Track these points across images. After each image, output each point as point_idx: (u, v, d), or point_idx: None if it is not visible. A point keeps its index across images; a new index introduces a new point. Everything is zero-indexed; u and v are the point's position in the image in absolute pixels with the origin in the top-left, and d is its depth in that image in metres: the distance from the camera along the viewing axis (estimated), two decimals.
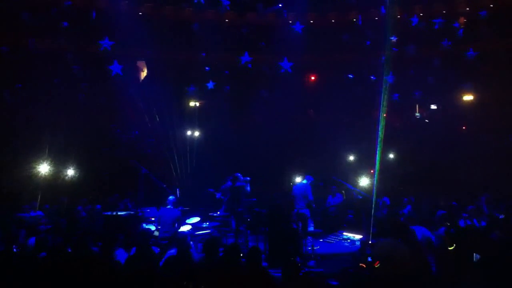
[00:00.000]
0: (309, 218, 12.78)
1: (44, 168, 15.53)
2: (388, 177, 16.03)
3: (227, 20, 18.70)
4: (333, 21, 19.27)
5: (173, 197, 11.68)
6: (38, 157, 15.88)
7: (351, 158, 18.80)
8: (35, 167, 15.53)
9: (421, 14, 18.17)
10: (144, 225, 11.87)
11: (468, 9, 18.14)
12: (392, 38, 16.33)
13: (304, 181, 13.25)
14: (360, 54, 18.80)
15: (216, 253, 6.97)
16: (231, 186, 13.25)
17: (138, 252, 7.50)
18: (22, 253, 8.14)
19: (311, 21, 18.89)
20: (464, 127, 19.36)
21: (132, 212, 12.42)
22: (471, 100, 20.07)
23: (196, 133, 19.72)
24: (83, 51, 17.48)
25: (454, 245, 7.05)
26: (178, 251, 7.51)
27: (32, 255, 7.04)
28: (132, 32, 16.93)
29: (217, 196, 13.94)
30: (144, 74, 20.28)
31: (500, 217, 10.83)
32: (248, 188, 13.61)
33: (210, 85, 18.36)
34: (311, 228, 12.58)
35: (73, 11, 16.38)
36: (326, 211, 14.98)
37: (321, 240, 13.04)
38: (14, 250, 8.43)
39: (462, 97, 20.19)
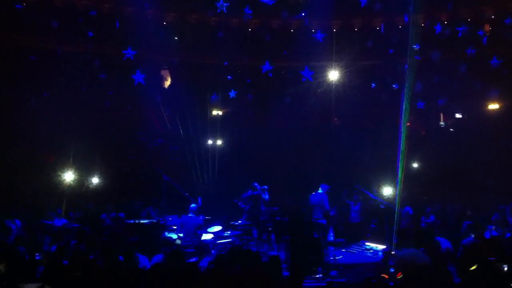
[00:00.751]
0: (330, 227, 12.70)
1: (69, 175, 15.76)
2: (411, 186, 15.88)
3: (250, 29, 18.75)
4: (356, 28, 19.16)
5: (195, 205, 11.74)
6: (63, 164, 16.13)
7: (374, 166, 18.66)
8: (60, 174, 15.78)
9: (445, 22, 17.97)
10: (166, 233, 11.94)
11: (493, 16, 17.89)
12: (415, 46, 16.16)
13: (320, 191, 13.15)
14: (384, 61, 18.66)
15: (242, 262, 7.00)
16: (251, 194, 13.29)
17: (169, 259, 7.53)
18: (44, 260, 8.23)
19: (334, 29, 18.82)
20: (489, 136, 19.03)
21: (154, 220, 12.50)
22: (496, 109, 19.79)
23: (219, 142, 19.81)
24: (109, 58, 17.74)
25: (476, 265, 6.93)
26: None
27: (53, 262, 7.11)
28: (156, 40, 17.11)
29: (240, 205, 13.99)
30: (168, 83, 20.48)
31: None
32: (266, 196, 13.61)
33: (232, 93, 18.41)
34: (331, 238, 12.50)
35: (99, 19, 16.64)
36: (348, 220, 14.87)
37: (344, 250, 12.95)
38: (37, 257, 8.54)
39: (487, 105, 19.91)
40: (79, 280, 6.08)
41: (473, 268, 6.79)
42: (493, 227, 11.07)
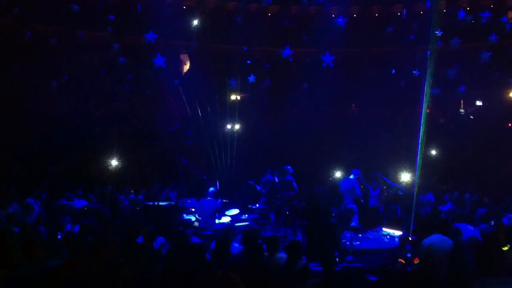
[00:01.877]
0: (356, 214, 12.71)
1: (89, 158, 15.95)
2: (430, 173, 15.79)
3: (269, 14, 18.70)
4: (376, 14, 19.01)
5: (214, 188, 11.81)
6: (83, 146, 16.31)
7: (393, 153, 18.57)
8: (80, 156, 15.97)
9: (468, 8, 17.74)
10: (184, 215, 12.04)
11: None
12: (438, 32, 15.98)
13: (351, 176, 13.16)
14: (404, 48, 18.50)
15: (255, 245, 7.03)
16: (282, 179, 13.33)
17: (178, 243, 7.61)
18: (68, 239, 8.36)
19: (354, 15, 18.69)
20: (509, 124, 18.83)
21: (173, 203, 12.61)
22: None
23: (237, 126, 19.85)
24: (128, 43, 17.82)
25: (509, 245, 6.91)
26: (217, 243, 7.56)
27: (78, 241, 7.23)
28: (176, 25, 17.16)
29: (257, 188, 14.03)
30: (186, 67, 20.53)
31: None
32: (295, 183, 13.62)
33: (252, 78, 18.41)
34: (354, 224, 12.51)
35: (119, 4, 16.71)
36: (366, 206, 14.84)
37: (360, 235, 12.95)
38: (59, 237, 8.67)
39: (508, 93, 19.66)
40: (101, 259, 6.16)
41: (506, 248, 6.79)
42: (511, 215, 10.97)
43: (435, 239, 7.25)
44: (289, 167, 13.68)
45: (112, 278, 5.51)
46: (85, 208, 12.20)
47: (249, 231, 7.99)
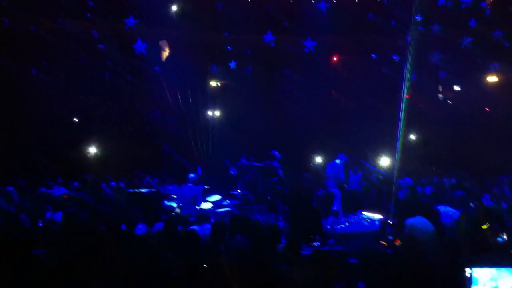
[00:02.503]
0: (338, 198, 12.78)
1: (70, 145, 15.81)
2: (410, 157, 15.95)
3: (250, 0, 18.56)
4: (356, 0, 18.97)
5: (194, 174, 11.81)
6: (63, 134, 16.14)
7: (374, 138, 18.72)
8: (61, 144, 15.81)
9: None
10: (166, 202, 12.04)
11: None
12: (418, 17, 16.05)
13: (337, 161, 13.21)
14: (385, 33, 18.54)
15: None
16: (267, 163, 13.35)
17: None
18: (49, 227, 8.29)
19: (335, 0, 18.63)
20: (488, 109, 19.06)
21: (154, 190, 12.59)
22: (495, 81, 19.74)
23: (218, 113, 19.79)
24: (108, 29, 17.58)
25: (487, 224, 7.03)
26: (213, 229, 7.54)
27: (60, 230, 7.18)
28: (156, 10, 16.94)
29: (232, 172, 14.05)
30: (165, 53, 20.33)
31: None
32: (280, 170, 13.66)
33: (233, 65, 18.33)
34: (335, 208, 12.60)
35: None
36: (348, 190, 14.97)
37: (342, 219, 13.07)
38: (40, 225, 8.61)
39: (486, 78, 19.86)
40: (85, 248, 6.12)
41: (485, 227, 6.90)
42: (488, 196, 11.18)
43: (418, 220, 7.35)
44: (275, 152, 13.70)
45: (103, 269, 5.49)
46: (65, 196, 12.10)
47: (237, 218, 8.03)
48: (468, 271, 4.47)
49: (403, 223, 7.58)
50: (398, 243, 7.40)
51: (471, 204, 9.34)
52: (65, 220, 8.39)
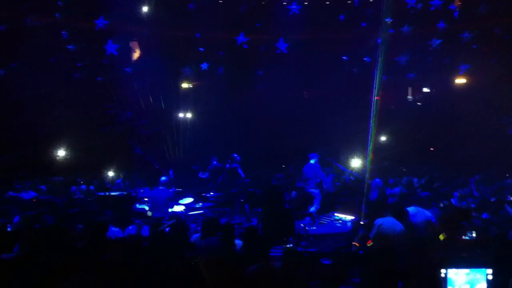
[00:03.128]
0: (318, 198, 12.80)
1: (38, 148, 15.53)
2: (381, 158, 16.12)
3: (222, 0, 18.53)
4: (327, 2, 19.11)
5: (166, 177, 11.73)
6: (33, 135, 15.85)
7: (346, 139, 18.88)
8: (29, 146, 15.52)
9: None
10: (137, 205, 11.92)
11: None
12: (388, 19, 16.25)
13: (312, 161, 13.24)
14: (356, 35, 18.71)
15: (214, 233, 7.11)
16: (228, 167, 13.33)
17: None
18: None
19: (306, 2, 18.73)
20: (456, 110, 19.40)
21: (125, 193, 12.43)
22: (464, 83, 20.11)
23: (191, 114, 19.69)
24: (79, 28, 17.34)
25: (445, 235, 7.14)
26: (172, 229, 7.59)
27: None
28: (127, 11, 16.78)
29: (199, 175, 14.03)
30: (136, 54, 20.15)
31: (492, 199, 10.91)
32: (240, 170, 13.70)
33: (204, 66, 18.27)
34: (314, 208, 12.64)
35: None
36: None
37: (314, 220, 13.13)
38: (9, 229, 8.45)
39: (455, 79, 20.22)
40: (54, 252, 6.03)
41: (441, 237, 6.99)
42: (457, 194, 11.36)
43: (386, 220, 7.45)
44: (235, 155, 13.72)
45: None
46: (34, 200, 11.89)
47: (206, 219, 8.02)
48: (443, 271, 4.50)
49: (372, 223, 7.68)
50: (370, 243, 7.47)
51: (441, 204, 9.49)
52: (22, 223, 8.25)
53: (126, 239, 7.72)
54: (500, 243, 6.35)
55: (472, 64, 19.04)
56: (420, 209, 8.49)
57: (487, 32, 17.94)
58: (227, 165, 13.77)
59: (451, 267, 4.55)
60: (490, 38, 18.02)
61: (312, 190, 12.77)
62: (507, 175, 15.03)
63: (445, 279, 4.50)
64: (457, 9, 17.47)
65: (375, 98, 13.21)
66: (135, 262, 5.76)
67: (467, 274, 4.55)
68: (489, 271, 4.47)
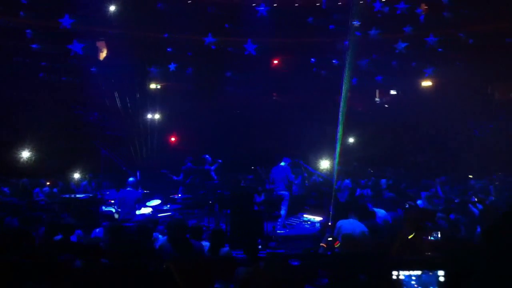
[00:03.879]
0: (286, 200, 12.78)
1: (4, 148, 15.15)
2: (349, 160, 16.27)
3: (191, 1, 18.44)
4: (297, 4, 19.22)
5: (133, 178, 11.52)
6: None
7: (314, 141, 18.98)
8: None
9: (384, 0, 18.32)
10: (103, 207, 11.71)
11: None
12: (355, 22, 16.42)
13: (282, 163, 13.22)
14: (324, 37, 18.86)
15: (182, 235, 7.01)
16: (200, 168, 13.23)
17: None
18: None
19: (275, 4, 18.80)
20: (422, 112, 19.73)
21: (91, 195, 12.21)
22: (430, 86, 20.47)
23: (159, 115, 19.50)
24: (44, 28, 17.00)
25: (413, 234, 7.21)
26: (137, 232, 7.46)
27: None
28: (94, 10, 16.54)
29: (173, 178, 13.88)
30: (103, 54, 19.87)
31: (456, 200, 11.08)
32: (213, 173, 13.60)
33: (172, 66, 18.13)
34: (284, 210, 12.62)
35: None
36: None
37: (283, 222, 13.13)
38: None
39: (421, 82, 20.57)
40: (17, 256, 5.86)
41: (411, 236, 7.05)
42: (424, 195, 11.51)
43: (347, 222, 7.51)
44: (206, 155, 13.63)
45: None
46: None
47: (173, 221, 7.92)
48: (394, 274, 4.50)
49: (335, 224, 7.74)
50: (337, 245, 7.50)
51: (406, 205, 9.59)
52: None
53: (90, 242, 7.54)
54: (451, 244, 6.44)
55: (437, 68, 19.39)
56: (383, 211, 8.60)
57: (452, 36, 18.31)
58: (206, 166, 13.62)
59: (403, 269, 4.55)
60: (455, 43, 18.40)
61: (281, 192, 12.75)
62: (470, 176, 15.35)
63: (397, 281, 4.50)
64: (423, 13, 17.79)
65: (345, 100, 13.31)
66: (97, 266, 5.63)
67: (419, 276, 4.56)
68: (441, 273, 4.48)
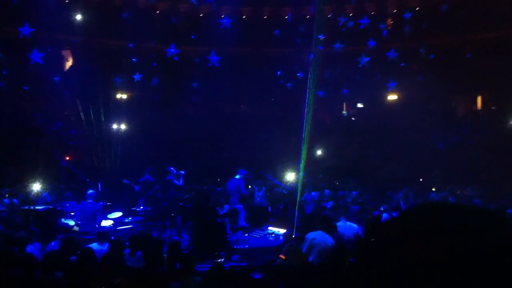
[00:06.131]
0: (242, 213, 12.70)
1: None
2: (314, 172, 16.30)
3: (158, 11, 18.35)
4: (265, 16, 19.34)
5: (93, 191, 11.29)
6: None
7: (279, 153, 18.99)
8: None
9: (351, 14, 18.58)
10: (62, 219, 11.44)
11: (395, 10, 18.75)
12: (320, 36, 16.57)
13: (237, 176, 13.15)
14: (290, 49, 18.99)
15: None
16: (146, 180, 13.08)
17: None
18: None
19: (244, 16, 18.87)
20: (388, 125, 19.98)
21: (50, 206, 11.91)
22: (395, 99, 20.78)
23: (123, 126, 19.23)
24: (3, 36, 16.65)
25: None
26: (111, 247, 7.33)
27: None
28: (57, 18, 16.29)
29: (135, 189, 13.68)
30: (69, 63, 19.58)
31: None
32: (180, 182, 13.43)
33: (137, 77, 17.96)
34: (241, 223, 12.53)
35: None
36: (252, 205, 14.99)
37: (246, 234, 13.05)
38: None
39: (387, 96, 20.87)
40: None
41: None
42: (383, 208, 11.60)
43: (317, 234, 7.50)
44: (171, 168, 13.49)
45: None
46: None
47: (138, 235, 7.82)
48: None
49: (304, 237, 7.71)
50: (284, 258, 7.53)
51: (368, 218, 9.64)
52: None
53: (46, 255, 7.32)
54: None
55: (399, 82, 19.70)
56: (348, 222, 8.61)
57: (413, 50, 18.66)
58: (169, 177, 13.42)
59: None
60: (415, 57, 18.75)
61: (235, 206, 12.67)
62: (433, 189, 15.56)
63: None
64: (386, 27, 18.08)
65: (310, 112, 13.36)
66: (49, 280, 5.47)
67: None
68: None
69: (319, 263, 7.13)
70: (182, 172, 13.56)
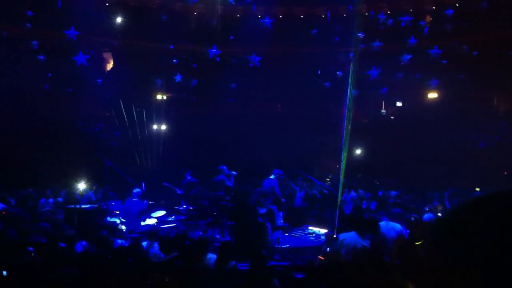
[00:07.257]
0: (278, 213, 12.69)
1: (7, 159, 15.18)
2: (354, 172, 16.21)
3: (195, 13, 18.54)
4: (301, 16, 19.30)
5: (139, 189, 11.54)
6: (1, 147, 15.52)
7: (318, 152, 18.92)
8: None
9: (388, 12, 18.37)
10: (108, 218, 11.70)
11: (434, 7, 18.44)
12: (360, 34, 16.47)
13: (272, 176, 13.15)
14: (328, 49, 18.88)
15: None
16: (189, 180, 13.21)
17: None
18: None
19: (280, 16, 18.88)
20: (427, 124, 19.68)
21: (95, 205, 12.20)
22: (435, 98, 20.45)
23: (163, 126, 19.53)
24: (49, 40, 17.11)
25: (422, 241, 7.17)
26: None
27: None
28: (99, 22, 16.66)
29: (177, 191, 13.79)
30: (110, 65, 19.98)
31: None
32: (231, 183, 13.45)
33: (178, 78, 18.19)
34: (281, 222, 12.54)
35: None
36: (293, 205, 14.98)
37: (287, 234, 13.07)
38: None
39: (426, 94, 20.56)
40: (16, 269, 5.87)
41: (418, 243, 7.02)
42: (427, 208, 11.46)
43: (348, 236, 7.50)
44: (224, 167, 13.51)
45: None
46: (3, 212, 11.59)
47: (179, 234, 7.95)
48: None
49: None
50: (323, 259, 7.53)
51: (412, 218, 9.53)
52: None
53: (87, 254, 7.52)
54: None
55: (441, 80, 19.39)
56: (390, 222, 8.54)
57: (456, 48, 18.32)
58: (221, 177, 13.39)
59: None
60: (458, 55, 18.40)
61: (271, 206, 12.60)
62: (477, 189, 15.27)
63: None
64: (427, 25, 17.82)
65: (350, 111, 13.32)
66: (93, 279, 5.63)
67: None
68: None
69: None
70: (234, 172, 13.53)
